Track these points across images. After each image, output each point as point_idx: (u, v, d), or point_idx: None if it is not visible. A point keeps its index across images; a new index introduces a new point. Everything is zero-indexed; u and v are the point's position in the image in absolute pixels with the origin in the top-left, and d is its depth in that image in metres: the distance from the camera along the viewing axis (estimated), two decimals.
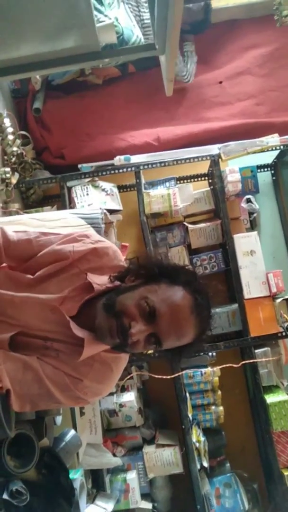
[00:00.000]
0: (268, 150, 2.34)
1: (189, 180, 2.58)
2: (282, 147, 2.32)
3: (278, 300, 2.15)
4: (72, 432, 1.38)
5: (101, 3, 2.14)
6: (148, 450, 2.16)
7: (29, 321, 0.93)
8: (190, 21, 2.48)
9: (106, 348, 0.94)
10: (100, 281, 0.95)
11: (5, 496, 0.95)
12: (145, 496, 2.16)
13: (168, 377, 2.08)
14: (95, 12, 1.45)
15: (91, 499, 1.93)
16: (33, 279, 0.95)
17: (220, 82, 2.69)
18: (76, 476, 1.62)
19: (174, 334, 0.88)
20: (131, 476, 2.10)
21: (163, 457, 2.13)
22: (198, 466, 2.08)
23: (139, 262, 0.98)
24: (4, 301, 0.93)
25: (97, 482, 2.05)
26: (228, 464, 2.30)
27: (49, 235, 0.98)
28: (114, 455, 2.13)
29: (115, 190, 2.39)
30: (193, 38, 2.60)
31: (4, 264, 0.96)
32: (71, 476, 1.34)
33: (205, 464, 2.13)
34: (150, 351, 1.93)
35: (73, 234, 0.98)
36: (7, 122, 2.25)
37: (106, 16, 2.08)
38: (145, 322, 0.86)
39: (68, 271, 0.95)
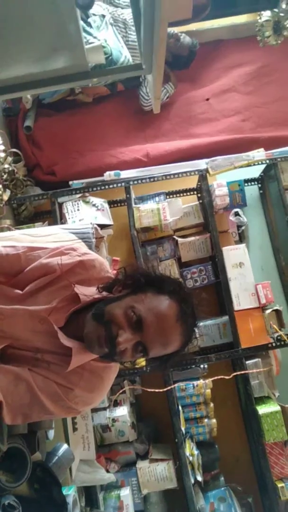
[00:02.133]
0: (254, 165, 2.40)
1: (178, 195, 2.63)
2: (268, 161, 2.38)
3: (268, 311, 2.17)
4: (64, 446, 1.37)
5: (90, 26, 2.21)
6: (142, 465, 2.14)
7: (18, 333, 0.94)
8: (174, 52, 2.56)
9: (95, 357, 0.95)
10: (88, 292, 0.97)
11: None
12: None
13: (161, 390, 2.08)
14: (84, 34, 1.51)
15: None
16: (22, 294, 0.97)
17: (207, 99, 2.76)
18: (69, 492, 1.60)
19: (160, 342, 0.90)
20: (125, 493, 2.08)
21: (157, 472, 2.12)
22: (192, 481, 2.07)
23: (126, 272, 0.99)
24: None
25: (91, 499, 2.02)
26: (222, 478, 2.28)
27: (37, 250, 1.00)
28: (108, 471, 2.11)
29: (106, 205, 2.42)
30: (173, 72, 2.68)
31: None
32: (64, 492, 1.33)
33: (199, 478, 2.12)
34: (142, 364, 1.93)
35: (60, 248, 1.00)
36: None
37: (95, 38, 2.15)
38: (132, 331, 0.88)
39: (57, 283, 0.97)
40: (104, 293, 0.97)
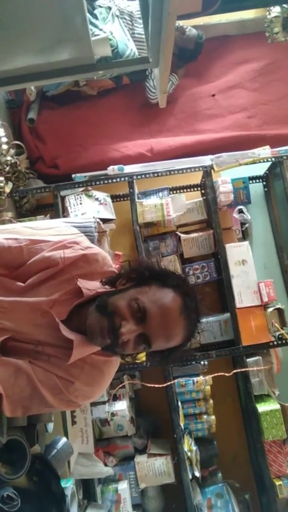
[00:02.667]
0: (259, 162, 2.38)
1: (182, 191, 2.62)
2: (273, 159, 2.36)
3: (270, 309, 2.17)
4: (63, 439, 1.37)
5: (96, 18, 2.19)
6: (140, 459, 2.15)
7: (19, 326, 0.94)
8: (179, 45, 2.54)
9: (96, 350, 0.95)
10: (91, 286, 0.96)
11: None
12: (136, 506, 2.14)
13: (160, 385, 2.09)
14: (90, 27, 1.49)
15: (82, 510, 1.91)
16: (24, 287, 0.96)
17: (213, 95, 2.74)
18: (67, 485, 1.61)
19: (163, 335, 0.90)
20: (123, 486, 2.09)
21: (155, 467, 2.12)
22: (190, 476, 2.07)
23: (130, 266, 1.00)
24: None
25: (88, 492, 2.03)
26: (220, 474, 2.29)
27: (40, 243, 1.00)
28: (106, 464, 2.12)
29: (109, 199, 2.41)
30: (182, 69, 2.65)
31: None
32: (62, 485, 1.33)
33: (197, 474, 2.12)
34: (142, 359, 1.93)
35: (63, 241, 1.00)
36: (1, 132, 2.27)
37: (101, 30, 2.13)
38: (136, 322, 0.88)
39: (59, 277, 0.97)
40: (107, 287, 0.97)
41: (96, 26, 2.16)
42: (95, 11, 2.24)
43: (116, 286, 0.97)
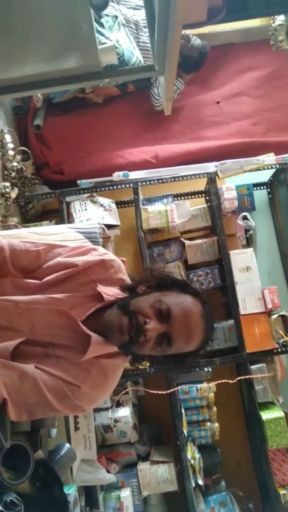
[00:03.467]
0: (264, 169, 2.39)
1: (186, 197, 2.62)
2: (277, 166, 2.37)
3: (274, 316, 2.16)
4: (66, 445, 1.37)
5: (102, 26, 2.21)
6: (143, 467, 2.14)
7: (34, 327, 0.95)
8: (183, 53, 2.54)
9: (110, 350, 0.96)
10: (109, 291, 0.99)
11: None
12: None
13: (164, 392, 2.08)
14: (97, 35, 1.51)
15: None
16: (41, 284, 0.98)
17: (218, 102, 2.76)
18: (70, 492, 1.60)
19: (184, 336, 0.93)
20: (125, 494, 2.07)
21: (157, 474, 2.11)
22: (193, 484, 2.06)
23: (152, 273, 1.03)
24: (9, 308, 0.95)
25: (91, 499, 2.02)
26: (223, 483, 2.27)
27: (57, 247, 1.02)
28: (108, 471, 2.11)
29: (113, 205, 2.42)
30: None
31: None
32: (65, 491, 1.32)
33: (200, 482, 2.11)
34: (147, 365, 1.92)
35: (82, 248, 1.02)
36: (8, 138, 2.30)
37: (107, 38, 2.15)
38: (159, 321, 0.92)
39: (76, 279, 0.98)
40: (127, 293, 1.00)
41: (102, 35, 2.18)
42: (102, 20, 2.27)
43: (137, 291, 1.00)
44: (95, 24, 1.37)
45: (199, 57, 2.58)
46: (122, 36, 2.28)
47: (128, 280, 1.05)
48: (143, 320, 0.91)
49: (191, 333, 0.93)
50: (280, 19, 2.29)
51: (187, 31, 2.52)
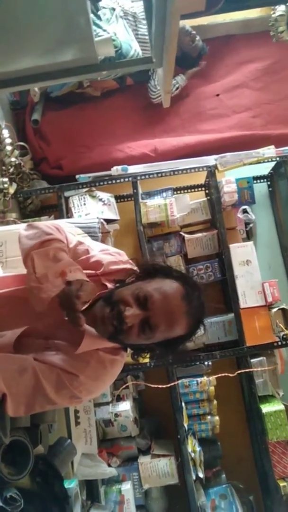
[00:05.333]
0: (264, 162, 2.38)
1: (186, 191, 2.61)
2: (278, 158, 2.35)
3: (274, 310, 2.16)
4: (67, 440, 1.37)
5: (100, 19, 2.19)
6: (144, 460, 2.15)
7: (37, 316, 0.97)
8: (185, 50, 2.56)
9: (105, 345, 0.98)
10: (111, 283, 1.03)
11: None
12: (140, 507, 2.14)
13: (164, 386, 2.08)
14: (94, 27, 1.49)
15: (86, 510, 1.91)
16: None
17: (217, 95, 2.73)
18: (71, 486, 1.60)
19: (165, 319, 0.93)
20: (126, 487, 2.08)
21: (158, 468, 2.12)
22: (194, 477, 2.07)
23: (138, 263, 1.07)
24: (18, 299, 0.99)
25: (92, 493, 2.03)
26: (223, 475, 2.28)
27: (85, 245, 1.08)
28: (109, 465, 2.12)
29: (112, 200, 2.41)
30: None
31: None
32: (65, 486, 1.33)
33: (201, 475, 2.12)
34: (147, 358, 1.93)
35: (108, 249, 1.09)
36: (5, 133, 2.28)
37: (105, 31, 2.13)
38: (139, 307, 0.93)
39: (93, 280, 1.00)
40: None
41: (100, 27, 2.16)
42: (99, 12, 2.24)
43: (126, 283, 1.02)
44: (92, 16, 1.36)
45: (197, 57, 2.62)
46: (120, 28, 2.25)
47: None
48: (123, 308, 0.92)
49: (172, 316, 0.94)
50: (280, 9, 2.26)
51: (186, 22, 2.50)
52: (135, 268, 1.07)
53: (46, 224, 1.03)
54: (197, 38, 2.55)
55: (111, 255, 1.08)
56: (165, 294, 0.94)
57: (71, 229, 1.17)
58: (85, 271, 0.98)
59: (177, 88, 2.63)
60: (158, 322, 0.93)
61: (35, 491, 1.08)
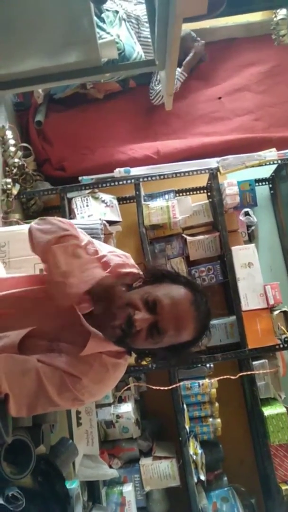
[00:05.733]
0: (266, 164, 2.38)
1: (188, 193, 2.62)
2: (279, 161, 2.36)
3: (276, 312, 2.16)
4: (69, 441, 1.37)
5: (103, 22, 2.20)
6: (145, 462, 2.14)
7: (43, 318, 0.98)
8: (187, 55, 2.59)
9: (109, 348, 0.97)
10: None
11: (0, 501, 0.95)
12: (141, 509, 2.14)
13: (166, 388, 2.08)
14: (97, 30, 1.50)
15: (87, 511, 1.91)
16: None
17: (219, 98, 2.74)
18: (72, 487, 1.61)
19: (174, 324, 0.94)
20: (128, 489, 2.08)
21: (159, 470, 2.11)
22: (195, 479, 2.07)
23: (146, 268, 1.09)
24: (24, 298, 1.00)
25: (93, 494, 2.03)
26: (225, 478, 2.28)
27: (95, 245, 1.08)
28: (111, 467, 2.11)
29: (115, 201, 2.42)
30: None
31: None
32: (67, 486, 1.33)
33: (202, 477, 2.11)
34: (148, 359, 1.93)
35: (115, 251, 1.09)
36: (9, 134, 2.30)
37: (108, 33, 2.14)
38: (148, 311, 0.93)
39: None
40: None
41: (103, 30, 2.17)
42: (103, 15, 2.26)
43: (133, 287, 1.02)
44: (95, 19, 1.37)
45: (197, 63, 2.67)
46: (123, 31, 2.26)
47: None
48: (132, 312, 0.92)
49: (181, 321, 0.94)
50: (282, 13, 2.28)
51: (188, 25, 2.51)
52: (141, 272, 1.07)
53: (60, 219, 1.03)
54: (201, 43, 2.59)
55: (119, 257, 1.08)
56: (174, 299, 0.95)
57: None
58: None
59: (178, 80, 2.62)
60: (166, 327, 0.93)
61: (36, 490, 1.08)
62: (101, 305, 0.92)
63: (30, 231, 1.02)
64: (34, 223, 1.03)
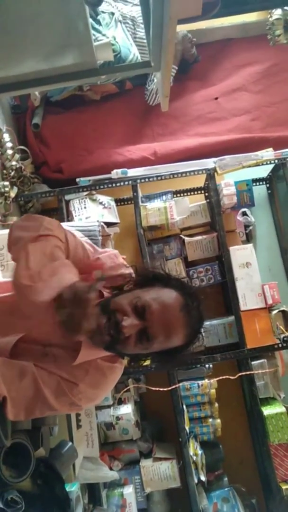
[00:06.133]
0: (263, 164, 2.38)
1: (185, 194, 2.62)
2: (276, 161, 2.36)
3: (274, 312, 2.16)
4: (68, 443, 1.37)
5: (99, 23, 2.20)
6: (145, 463, 2.14)
7: (36, 325, 0.96)
8: (185, 56, 2.61)
9: (102, 355, 0.96)
10: (107, 290, 1.00)
11: None
12: (142, 511, 2.14)
13: (165, 389, 2.08)
14: (93, 32, 1.50)
15: None
16: None
17: (216, 98, 2.75)
18: (73, 489, 1.60)
19: (163, 330, 0.91)
20: (128, 491, 2.08)
21: (160, 471, 2.11)
22: (196, 480, 2.06)
23: (137, 270, 1.03)
24: (13, 304, 0.96)
25: (94, 497, 2.03)
26: (226, 478, 2.28)
27: (86, 246, 1.05)
28: (111, 469, 2.11)
29: (113, 203, 2.42)
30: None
31: None
32: (67, 489, 1.33)
33: (203, 478, 2.11)
34: (147, 362, 1.92)
35: (106, 251, 1.06)
36: (6, 137, 2.29)
37: (104, 35, 2.14)
38: (137, 317, 0.90)
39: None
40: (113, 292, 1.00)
41: (99, 32, 2.17)
42: (98, 17, 2.26)
43: (123, 290, 0.99)
44: (91, 21, 1.37)
45: (191, 64, 2.68)
46: (118, 33, 2.27)
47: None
48: (120, 317, 0.89)
49: (170, 327, 0.91)
50: (277, 13, 2.28)
51: (184, 27, 2.52)
52: (132, 272, 1.05)
53: (48, 219, 0.97)
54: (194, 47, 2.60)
55: (110, 258, 1.05)
56: (163, 304, 0.91)
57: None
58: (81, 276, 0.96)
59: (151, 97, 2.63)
60: (156, 333, 0.90)
61: (36, 493, 1.07)
62: (63, 312, 0.83)
63: (10, 227, 0.96)
64: (17, 219, 1.01)
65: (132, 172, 2.33)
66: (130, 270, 1.05)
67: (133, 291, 0.95)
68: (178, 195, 2.59)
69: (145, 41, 2.27)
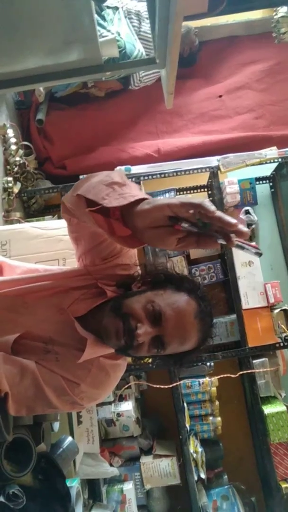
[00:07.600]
0: (266, 163, 2.37)
1: (188, 191, 2.61)
2: (280, 159, 2.35)
3: (276, 311, 2.16)
4: (69, 439, 1.38)
5: (104, 19, 2.20)
6: (146, 460, 2.15)
7: (36, 322, 0.95)
8: (192, 49, 2.60)
9: (107, 352, 0.95)
10: (112, 288, 0.96)
11: (1, 499, 0.96)
12: (141, 507, 2.14)
13: (166, 386, 2.08)
14: (98, 28, 1.50)
15: (88, 509, 1.91)
16: None
17: (220, 96, 2.74)
18: (73, 485, 1.61)
19: (178, 338, 0.89)
20: (128, 487, 2.09)
21: (160, 468, 2.12)
22: (196, 478, 2.07)
23: (146, 269, 0.99)
24: (15, 299, 0.95)
25: (94, 492, 2.04)
26: (225, 476, 2.28)
27: None
28: (111, 465, 2.12)
29: None
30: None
31: None
32: (67, 484, 1.33)
33: (203, 476, 2.12)
34: (149, 360, 1.93)
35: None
36: (10, 132, 2.29)
37: (109, 31, 2.14)
38: (151, 324, 0.87)
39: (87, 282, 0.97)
40: (121, 290, 0.97)
41: (104, 27, 2.17)
42: (103, 13, 2.25)
43: (131, 289, 0.96)
44: (96, 16, 1.36)
45: (190, 56, 2.67)
46: (123, 28, 2.26)
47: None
48: (134, 324, 0.86)
49: (185, 334, 0.89)
50: (282, 10, 2.27)
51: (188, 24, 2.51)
52: (138, 268, 1.00)
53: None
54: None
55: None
56: (178, 310, 0.88)
57: None
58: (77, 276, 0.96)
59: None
60: (170, 340, 0.88)
61: (37, 488, 1.08)
62: (112, 321, 0.84)
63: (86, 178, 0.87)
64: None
65: (136, 169, 2.33)
66: (137, 268, 1.01)
67: (145, 293, 0.91)
68: (181, 192, 2.58)
69: (150, 35, 2.27)
